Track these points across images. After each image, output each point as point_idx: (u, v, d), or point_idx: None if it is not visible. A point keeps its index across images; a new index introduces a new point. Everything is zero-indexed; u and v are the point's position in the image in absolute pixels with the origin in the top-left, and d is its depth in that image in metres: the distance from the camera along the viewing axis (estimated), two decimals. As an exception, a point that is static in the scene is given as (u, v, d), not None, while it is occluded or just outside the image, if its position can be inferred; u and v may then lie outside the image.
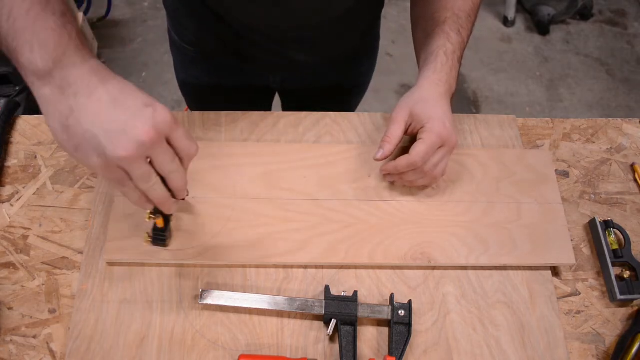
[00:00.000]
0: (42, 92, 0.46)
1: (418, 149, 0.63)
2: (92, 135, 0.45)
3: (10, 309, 0.63)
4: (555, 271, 0.69)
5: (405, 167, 0.65)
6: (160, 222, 0.60)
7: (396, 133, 0.65)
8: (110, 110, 0.46)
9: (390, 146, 0.65)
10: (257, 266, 0.66)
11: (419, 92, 0.67)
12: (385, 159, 0.66)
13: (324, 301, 0.62)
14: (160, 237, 0.62)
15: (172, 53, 0.98)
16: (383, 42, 1.01)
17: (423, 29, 0.73)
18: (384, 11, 0.91)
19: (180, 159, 0.51)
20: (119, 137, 0.45)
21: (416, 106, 0.65)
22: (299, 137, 0.77)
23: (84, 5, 2.02)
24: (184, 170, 0.52)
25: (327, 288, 0.63)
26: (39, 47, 0.45)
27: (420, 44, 0.73)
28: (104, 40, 2.15)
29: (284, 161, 0.72)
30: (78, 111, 0.45)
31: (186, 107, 1.16)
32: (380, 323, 0.64)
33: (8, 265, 0.66)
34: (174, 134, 0.49)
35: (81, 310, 0.63)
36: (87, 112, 0.46)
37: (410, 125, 0.66)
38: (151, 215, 0.58)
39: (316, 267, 0.67)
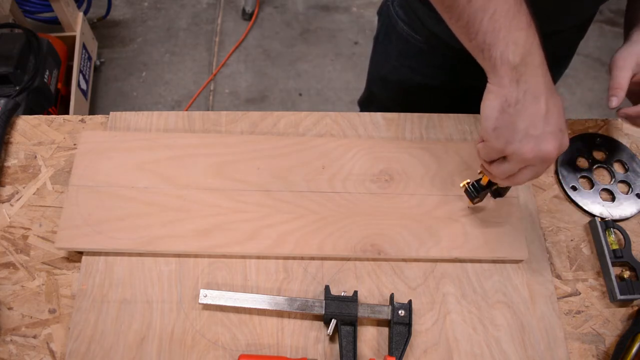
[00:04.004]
0: (501, 80, 0.54)
1: None
2: (515, 131, 0.54)
3: (10, 309, 0.63)
4: (555, 271, 0.69)
5: None
6: (485, 180, 0.64)
7: (625, 80, 0.65)
8: (540, 120, 0.53)
9: (622, 93, 0.65)
10: (255, 260, 0.67)
11: None
12: (619, 105, 0.65)
13: (324, 301, 0.62)
14: (475, 191, 0.66)
15: (380, 41, 0.96)
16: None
17: None
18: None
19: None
20: (532, 142, 0.53)
21: None
22: (299, 137, 0.77)
23: (84, 5, 2.02)
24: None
25: (327, 288, 0.63)
26: (513, 44, 0.52)
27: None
28: (104, 40, 2.15)
29: (238, 152, 0.73)
30: (521, 105, 0.53)
31: (186, 107, 1.16)
32: (380, 323, 0.64)
33: (8, 265, 0.66)
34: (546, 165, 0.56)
35: (81, 310, 0.63)
36: (526, 111, 0.53)
37: (635, 75, 0.66)
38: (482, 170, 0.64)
39: (316, 267, 0.67)
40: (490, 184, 0.64)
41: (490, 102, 0.55)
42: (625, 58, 0.66)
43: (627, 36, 0.71)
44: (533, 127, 0.53)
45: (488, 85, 0.56)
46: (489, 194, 0.70)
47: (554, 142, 0.54)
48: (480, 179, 0.65)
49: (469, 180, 0.67)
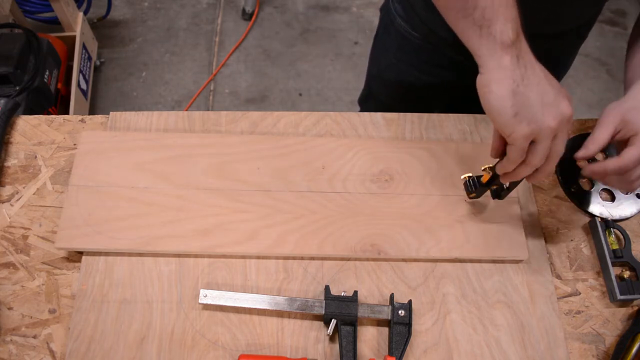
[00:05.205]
0: (501, 61, 0.53)
1: (631, 153, 0.60)
2: (532, 106, 0.53)
3: (10, 309, 0.63)
4: (555, 271, 0.69)
5: (613, 170, 0.61)
6: (485, 179, 0.64)
7: (603, 136, 0.62)
8: (546, 84, 0.54)
9: (595, 147, 0.62)
10: (257, 260, 0.67)
11: (633, 101, 0.63)
12: (585, 159, 0.63)
13: (324, 301, 0.62)
14: (473, 186, 0.67)
15: (379, 37, 0.97)
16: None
17: None
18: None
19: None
20: (551, 109, 0.54)
21: (630, 112, 0.62)
22: (299, 137, 0.77)
23: (84, 5, 2.02)
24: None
25: (327, 288, 0.63)
26: (511, 20, 0.53)
27: (637, 60, 0.71)
28: (104, 40, 2.15)
29: (238, 152, 0.73)
30: (527, 79, 0.53)
31: (186, 107, 1.16)
32: (380, 323, 0.64)
33: (8, 265, 0.66)
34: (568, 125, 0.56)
35: (81, 310, 0.63)
36: (532, 82, 0.54)
37: (620, 131, 0.62)
38: (486, 167, 0.63)
39: (316, 267, 0.67)
40: (489, 183, 0.64)
41: (497, 92, 0.53)
42: (609, 114, 0.63)
43: (625, 89, 0.69)
44: (545, 95, 0.54)
45: (483, 75, 0.54)
46: (488, 193, 0.70)
47: (565, 101, 0.55)
48: (482, 176, 0.65)
49: (470, 174, 0.67)
